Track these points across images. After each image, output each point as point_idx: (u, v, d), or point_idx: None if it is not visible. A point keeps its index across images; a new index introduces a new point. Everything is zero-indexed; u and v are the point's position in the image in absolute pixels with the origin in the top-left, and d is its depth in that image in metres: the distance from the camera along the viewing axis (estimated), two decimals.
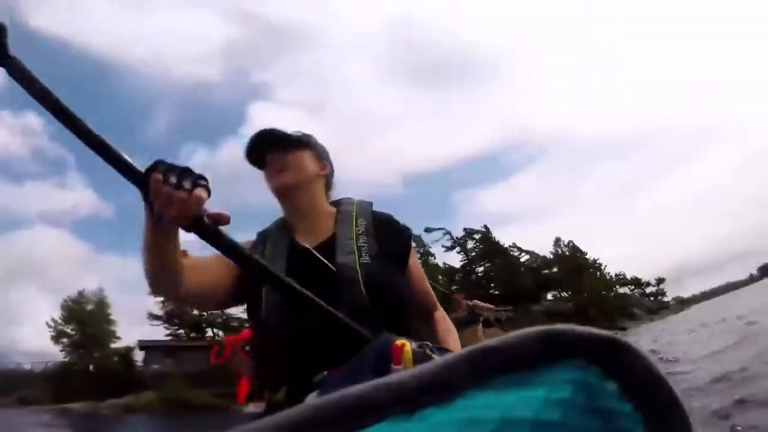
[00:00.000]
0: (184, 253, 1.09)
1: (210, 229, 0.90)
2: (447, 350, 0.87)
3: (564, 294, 45.66)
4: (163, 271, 1.03)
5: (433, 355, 0.80)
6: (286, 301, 1.09)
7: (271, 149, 1.26)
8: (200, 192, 0.85)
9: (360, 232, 1.18)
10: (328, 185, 1.36)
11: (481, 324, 5.55)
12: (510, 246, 47.50)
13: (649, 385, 0.27)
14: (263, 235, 1.29)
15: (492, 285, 45.55)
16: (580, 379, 0.27)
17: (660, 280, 50.78)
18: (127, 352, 32.44)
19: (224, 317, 32.26)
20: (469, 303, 5.51)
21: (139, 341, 32.09)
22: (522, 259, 47.60)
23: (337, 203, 1.32)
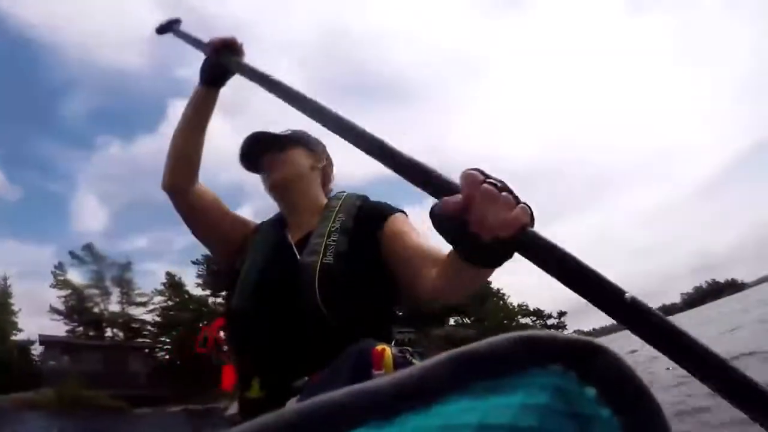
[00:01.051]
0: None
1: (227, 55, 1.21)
2: (428, 355, 0.87)
3: (466, 320, 45.68)
4: (187, 146, 1.28)
5: (414, 360, 0.80)
6: (252, 301, 1.11)
7: (264, 153, 1.27)
8: (234, 40, 1.22)
9: (334, 228, 1.13)
10: (326, 178, 1.35)
11: None
12: None
13: (627, 391, 0.27)
14: (260, 225, 1.32)
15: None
16: (557, 384, 0.26)
17: (561, 313, 50.99)
18: (28, 346, 30.70)
19: (125, 318, 31.66)
20: None
21: (41, 336, 29.93)
22: None
23: (330, 198, 1.30)
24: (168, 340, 31.27)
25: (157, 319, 32.10)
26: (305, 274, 1.07)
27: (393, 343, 1.10)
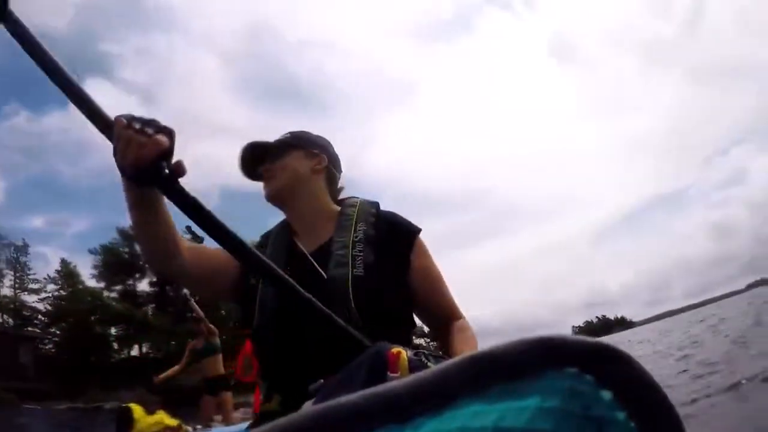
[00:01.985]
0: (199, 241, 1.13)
1: (169, 181, 0.87)
2: (443, 357, 0.87)
3: None
4: (149, 241, 1.05)
5: (429, 363, 0.79)
6: (279, 309, 1.09)
7: (260, 162, 1.24)
8: (161, 137, 0.84)
9: (357, 239, 1.13)
10: (331, 179, 1.29)
11: (220, 354, 5.52)
12: None
13: (642, 394, 0.26)
14: (266, 237, 1.28)
15: None
16: (573, 387, 0.26)
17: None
18: None
19: (16, 304, 29.59)
20: (210, 327, 5.40)
21: None
22: None
23: (341, 203, 1.27)
24: (58, 332, 29.46)
25: (49, 308, 30.08)
26: (336, 287, 1.06)
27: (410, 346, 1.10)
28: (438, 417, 0.26)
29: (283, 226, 1.27)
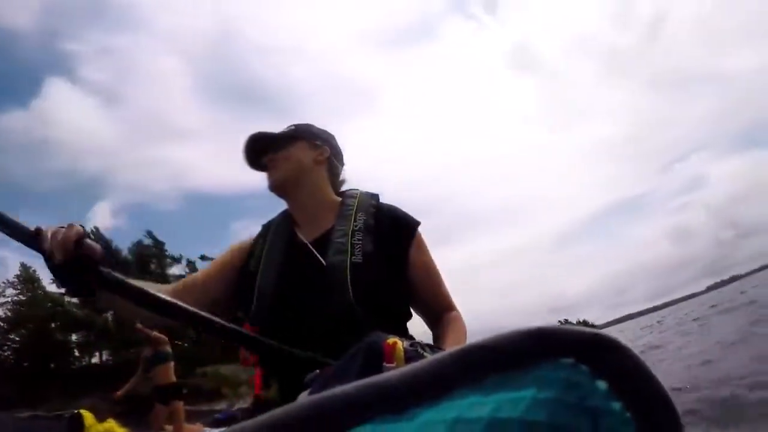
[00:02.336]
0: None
1: (89, 264, 0.91)
2: (439, 348, 0.87)
3: None
4: (137, 316, 1.19)
5: (425, 354, 0.80)
6: (277, 296, 1.10)
7: (264, 153, 1.25)
8: (77, 226, 0.90)
9: (357, 228, 1.15)
10: (333, 171, 1.30)
11: (171, 362, 5.52)
12: None
13: (638, 384, 0.26)
14: (267, 227, 1.29)
15: None
16: (568, 378, 0.26)
17: None
18: None
19: None
20: (157, 336, 5.38)
21: None
22: None
23: (342, 195, 1.28)
24: (17, 338, 28.80)
25: (8, 313, 29.48)
26: (335, 274, 1.07)
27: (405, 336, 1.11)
28: (434, 407, 0.26)
29: (285, 216, 1.28)
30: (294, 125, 1.30)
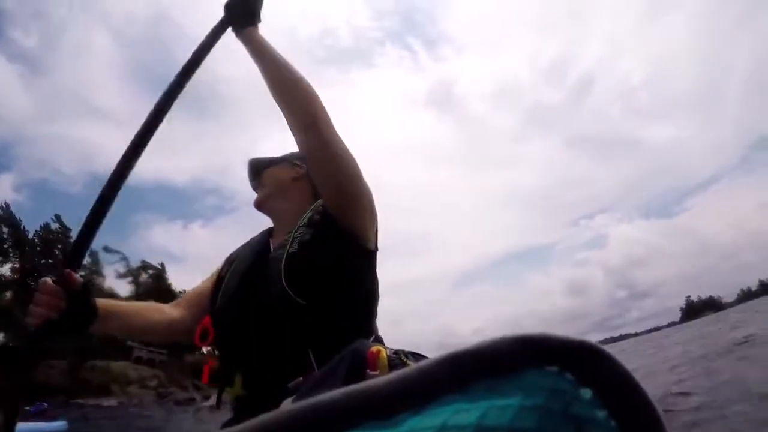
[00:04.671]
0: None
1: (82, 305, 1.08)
2: (422, 356, 0.87)
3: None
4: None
5: (408, 362, 0.80)
6: (231, 298, 1.20)
7: (256, 176, 1.46)
8: (49, 284, 1.05)
9: (302, 224, 1.20)
10: (315, 187, 1.35)
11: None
12: (180, 291, 47.68)
13: (623, 392, 0.26)
14: (245, 244, 1.42)
15: None
16: (554, 385, 0.26)
17: None
18: None
19: None
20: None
21: None
22: None
23: None
24: None
25: None
26: (273, 268, 1.14)
27: (374, 338, 1.13)
28: (420, 414, 0.26)
29: (264, 233, 1.41)
30: (281, 156, 1.47)
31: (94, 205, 1.05)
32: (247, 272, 1.23)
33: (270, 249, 1.27)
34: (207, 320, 1.22)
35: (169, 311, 1.37)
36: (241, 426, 0.26)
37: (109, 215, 1.06)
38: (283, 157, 1.45)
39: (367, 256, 1.21)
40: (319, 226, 1.17)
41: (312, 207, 1.26)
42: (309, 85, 1.17)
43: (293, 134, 1.16)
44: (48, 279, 1.04)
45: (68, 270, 1.04)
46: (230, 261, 1.34)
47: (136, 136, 1.12)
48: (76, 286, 1.05)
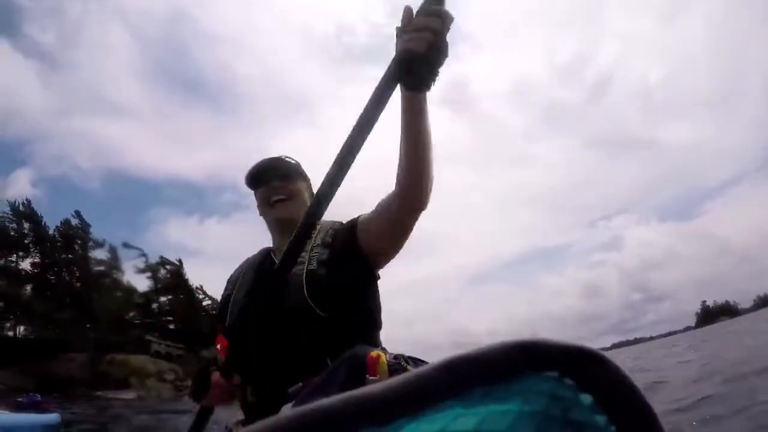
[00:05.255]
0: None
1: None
2: (423, 361, 0.87)
3: None
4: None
5: (408, 367, 0.80)
6: (243, 314, 1.22)
7: (272, 178, 1.41)
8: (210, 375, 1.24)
9: (316, 244, 1.27)
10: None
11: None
12: (197, 287, 48.35)
13: (623, 398, 0.26)
14: (246, 261, 1.48)
15: (171, 319, 47.00)
16: (553, 391, 0.26)
17: None
18: None
19: None
20: None
21: None
22: (204, 303, 48.44)
23: None
24: None
25: None
26: (293, 282, 1.18)
27: (381, 347, 1.15)
28: (419, 420, 0.25)
29: (264, 252, 1.45)
30: (287, 157, 1.46)
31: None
32: (252, 289, 1.29)
33: (274, 262, 1.32)
34: (221, 338, 1.24)
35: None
36: (243, 430, 0.26)
37: None
38: (300, 171, 1.47)
39: (375, 279, 1.31)
40: (337, 250, 1.25)
41: (322, 228, 1.33)
42: (434, 179, 1.14)
43: (395, 207, 1.15)
44: (219, 377, 1.21)
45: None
46: (233, 281, 1.40)
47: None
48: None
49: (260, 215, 1.48)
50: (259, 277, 1.32)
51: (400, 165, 1.10)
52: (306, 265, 1.22)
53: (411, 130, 1.05)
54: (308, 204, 1.37)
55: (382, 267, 1.30)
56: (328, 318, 1.15)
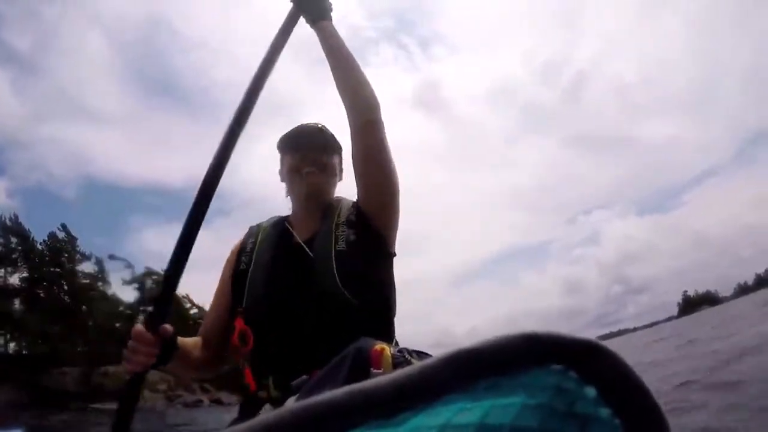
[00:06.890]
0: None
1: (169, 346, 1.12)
2: (427, 354, 0.87)
3: None
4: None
5: (412, 360, 0.80)
6: (266, 298, 1.17)
7: (311, 147, 1.36)
8: (145, 334, 1.07)
9: (341, 222, 1.23)
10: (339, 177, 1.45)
11: None
12: (183, 296, 47.18)
13: (627, 391, 0.26)
14: (256, 227, 1.39)
15: None
16: (558, 384, 0.26)
17: None
18: None
19: None
20: None
21: None
22: (191, 312, 47.96)
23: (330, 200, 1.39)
24: None
25: None
26: (321, 262, 1.15)
27: (393, 342, 1.13)
28: (423, 413, 0.26)
29: (278, 221, 1.38)
30: (322, 125, 1.41)
31: (176, 250, 1.11)
32: (275, 269, 1.22)
33: (294, 241, 1.27)
34: (240, 322, 1.18)
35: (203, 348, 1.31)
36: (245, 425, 0.26)
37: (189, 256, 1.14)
38: (339, 146, 1.42)
39: (391, 259, 1.29)
40: (358, 228, 1.22)
41: (343, 205, 1.30)
42: (373, 88, 1.21)
43: (352, 130, 1.20)
44: (142, 329, 1.06)
45: (164, 326, 1.07)
46: (247, 253, 1.30)
47: (219, 147, 1.12)
48: (168, 336, 1.09)
49: (282, 180, 1.42)
50: (280, 256, 1.25)
51: (338, 88, 1.21)
52: (333, 244, 1.18)
53: (333, 52, 1.23)
54: (338, 181, 1.41)
55: (392, 233, 1.26)
56: (361, 307, 1.11)
